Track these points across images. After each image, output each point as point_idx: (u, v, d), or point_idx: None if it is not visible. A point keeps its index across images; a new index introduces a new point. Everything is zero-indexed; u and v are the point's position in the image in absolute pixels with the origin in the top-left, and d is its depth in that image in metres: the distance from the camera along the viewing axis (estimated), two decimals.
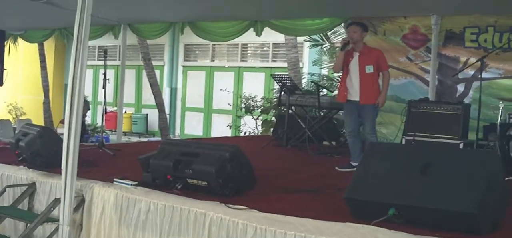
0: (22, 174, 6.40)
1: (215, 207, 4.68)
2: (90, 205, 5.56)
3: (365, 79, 6.84)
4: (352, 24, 7.13)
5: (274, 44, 16.64)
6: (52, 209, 5.53)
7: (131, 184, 5.43)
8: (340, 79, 7.48)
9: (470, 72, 8.91)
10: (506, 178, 4.79)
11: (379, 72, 6.98)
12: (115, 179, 5.60)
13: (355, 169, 6.47)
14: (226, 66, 18.17)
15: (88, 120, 17.91)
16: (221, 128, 16.47)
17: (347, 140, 7.18)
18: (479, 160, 4.26)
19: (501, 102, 7.40)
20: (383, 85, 7.00)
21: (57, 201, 5.44)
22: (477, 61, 7.71)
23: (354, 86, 6.90)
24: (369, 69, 6.84)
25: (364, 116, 6.96)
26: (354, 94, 6.91)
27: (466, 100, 8.64)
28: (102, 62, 8.72)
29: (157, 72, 17.39)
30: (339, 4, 8.82)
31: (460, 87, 9.21)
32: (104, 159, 7.45)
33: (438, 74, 9.32)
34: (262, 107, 13.44)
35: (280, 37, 13.30)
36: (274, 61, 17.04)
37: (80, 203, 5.60)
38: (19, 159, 6.72)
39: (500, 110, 7.29)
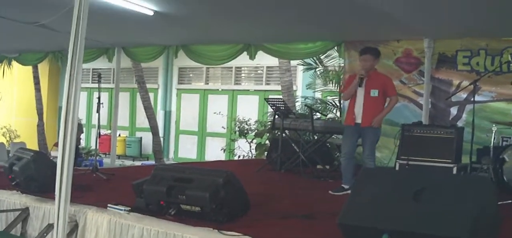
0: (15, 199, 6.37)
1: (208, 233, 4.67)
2: (83, 230, 5.53)
3: (369, 102, 6.89)
4: (364, 53, 7.05)
5: (268, 67, 16.70)
6: (45, 234, 5.51)
7: (125, 210, 5.41)
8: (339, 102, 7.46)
9: (463, 95, 8.96)
10: (500, 202, 4.80)
11: (386, 98, 7.01)
12: (108, 205, 5.57)
13: (347, 191, 6.50)
14: (220, 90, 18.20)
15: (82, 142, 17.85)
16: (215, 151, 16.43)
17: (341, 161, 7.18)
18: (472, 185, 4.26)
19: (494, 125, 7.46)
20: (386, 107, 7.02)
21: (50, 227, 5.42)
22: (470, 84, 7.76)
23: (359, 109, 6.94)
24: (374, 93, 6.88)
25: (365, 139, 6.97)
26: (358, 117, 6.95)
27: (459, 124, 8.68)
28: (96, 85, 8.72)
29: (151, 95, 17.38)
30: (332, 28, 8.87)
31: (453, 111, 9.24)
32: (98, 183, 7.42)
33: (431, 98, 9.36)
34: (256, 130, 13.42)
35: (273, 61, 13.38)
36: (268, 84, 17.10)
37: (73, 229, 5.56)
38: (13, 183, 6.68)
39: (493, 133, 7.33)
